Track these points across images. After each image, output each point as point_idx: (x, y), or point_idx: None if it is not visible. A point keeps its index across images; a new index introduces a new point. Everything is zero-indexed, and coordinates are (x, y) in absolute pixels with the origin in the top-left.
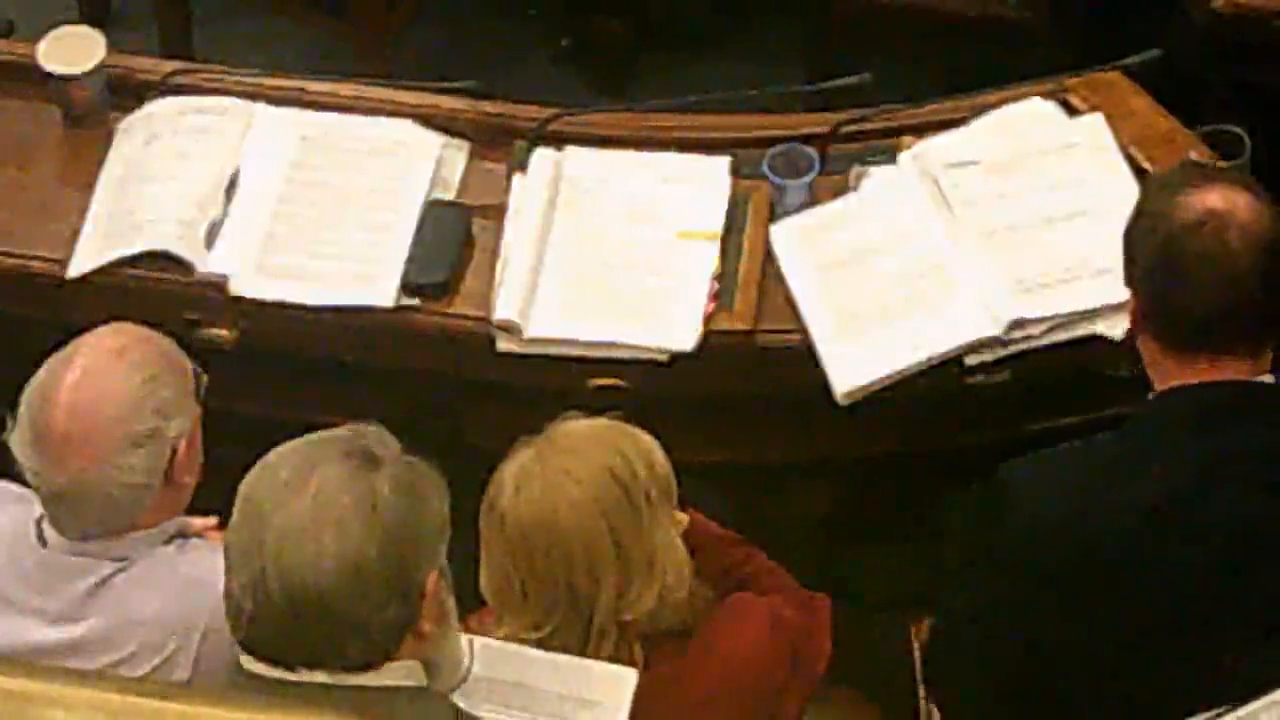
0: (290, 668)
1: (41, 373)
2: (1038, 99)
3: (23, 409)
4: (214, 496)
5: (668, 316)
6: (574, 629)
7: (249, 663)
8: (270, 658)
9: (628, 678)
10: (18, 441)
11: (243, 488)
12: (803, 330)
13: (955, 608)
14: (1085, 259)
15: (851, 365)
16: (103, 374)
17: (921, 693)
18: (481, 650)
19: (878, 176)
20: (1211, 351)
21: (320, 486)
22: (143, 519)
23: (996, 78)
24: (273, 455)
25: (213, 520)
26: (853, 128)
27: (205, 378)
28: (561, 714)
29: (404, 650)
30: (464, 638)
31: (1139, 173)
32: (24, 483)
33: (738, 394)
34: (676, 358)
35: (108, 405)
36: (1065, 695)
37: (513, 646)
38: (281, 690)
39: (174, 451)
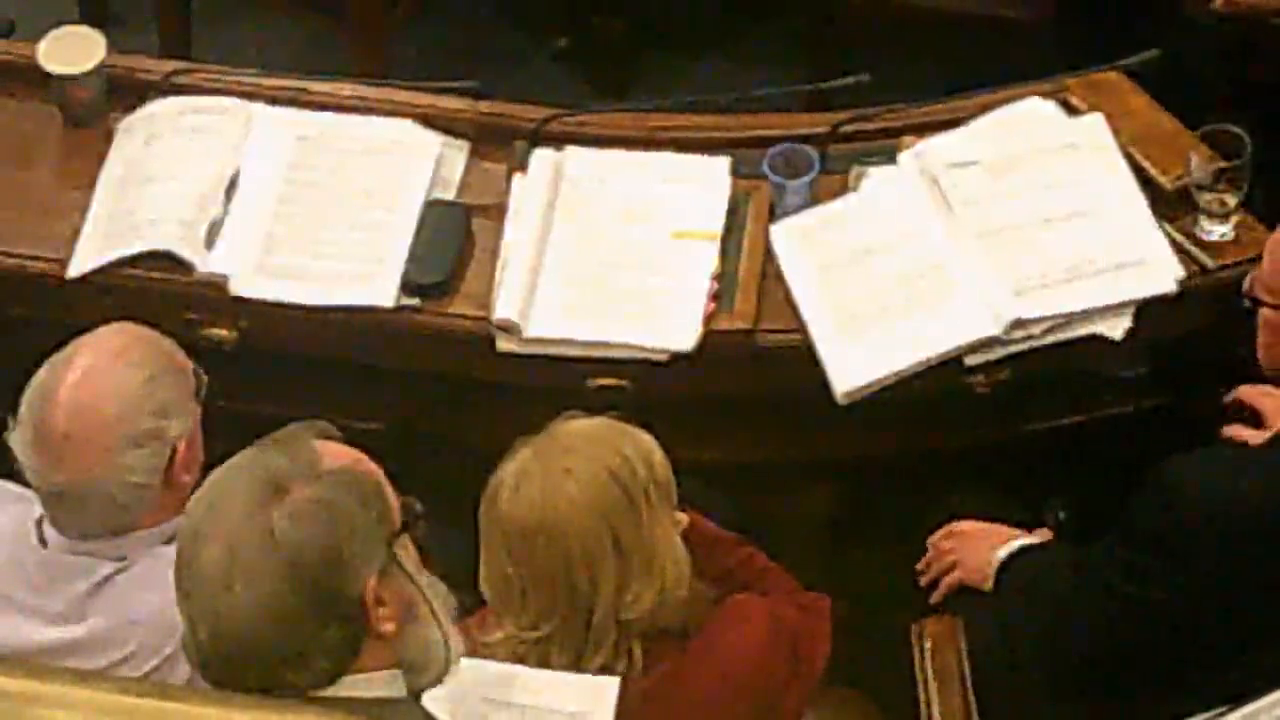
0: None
1: (42, 372)
2: (1038, 99)
3: (23, 408)
4: None
5: (667, 316)
6: (573, 628)
7: None
8: (224, 687)
9: (609, 687)
10: (18, 441)
11: (183, 516)
12: (803, 330)
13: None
14: (1085, 259)
15: (851, 365)
16: (103, 374)
17: (922, 693)
18: (466, 670)
19: (878, 176)
20: None
21: (224, 531)
22: (143, 519)
23: (996, 78)
24: (197, 491)
25: None
26: (853, 128)
27: (205, 378)
28: None
29: (372, 657)
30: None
31: (1139, 172)
32: (24, 483)
33: (738, 394)
34: (676, 358)
35: (108, 405)
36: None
37: (496, 665)
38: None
39: (174, 451)
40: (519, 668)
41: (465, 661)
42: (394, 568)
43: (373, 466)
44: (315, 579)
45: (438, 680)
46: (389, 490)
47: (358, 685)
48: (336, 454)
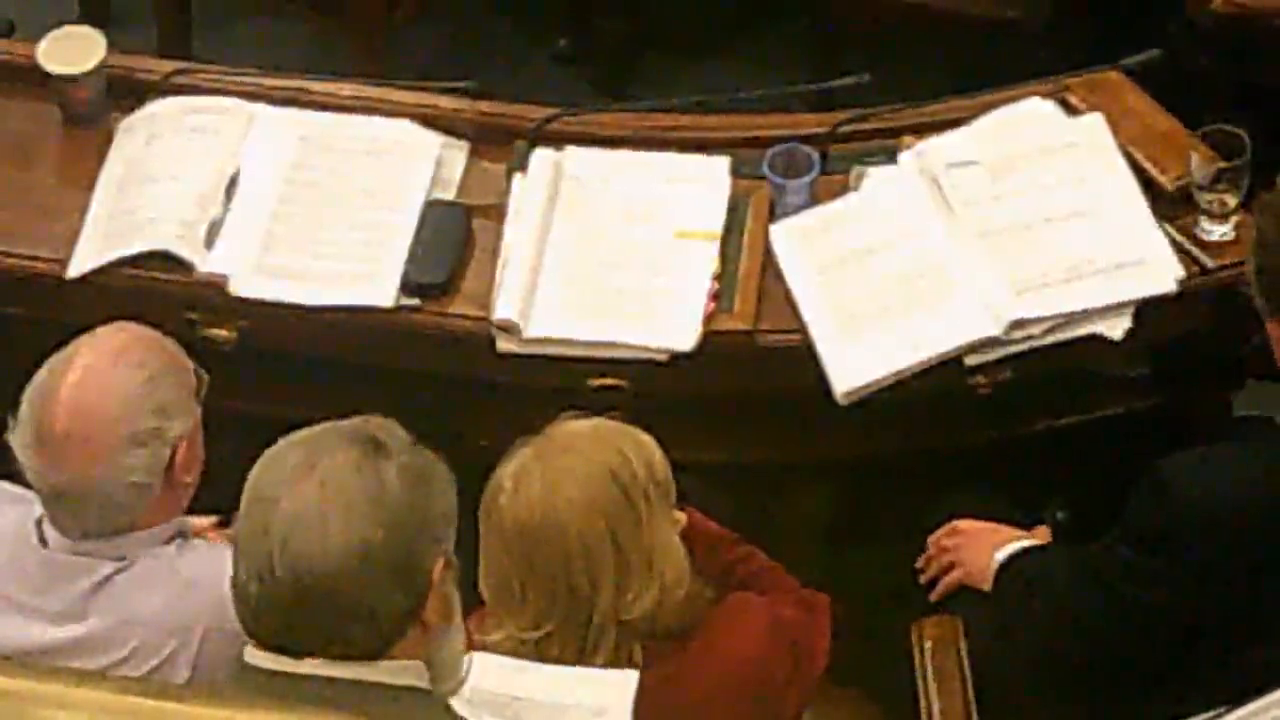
0: (295, 655)
1: (43, 372)
2: (1038, 99)
3: (24, 408)
4: (214, 496)
5: (667, 316)
6: (573, 629)
7: (251, 656)
8: (276, 644)
9: (629, 680)
10: (19, 440)
11: (250, 476)
12: (803, 330)
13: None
14: (1085, 259)
15: (851, 365)
16: (104, 373)
17: (922, 693)
18: (484, 665)
19: (878, 176)
20: None
21: (328, 471)
22: (143, 519)
23: (996, 78)
24: (279, 445)
25: (213, 520)
26: (853, 128)
27: (206, 378)
28: None
29: (408, 643)
30: (463, 640)
31: (1139, 172)
32: (25, 483)
33: (738, 394)
34: (676, 358)
35: (108, 405)
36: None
37: (514, 661)
38: (284, 684)
39: (174, 451)
40: (537, 664)
41: (482, 657)
42: (453, 565)
43: None
44: (407, 537)
45: (453, 691)
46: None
47: (387, 671)
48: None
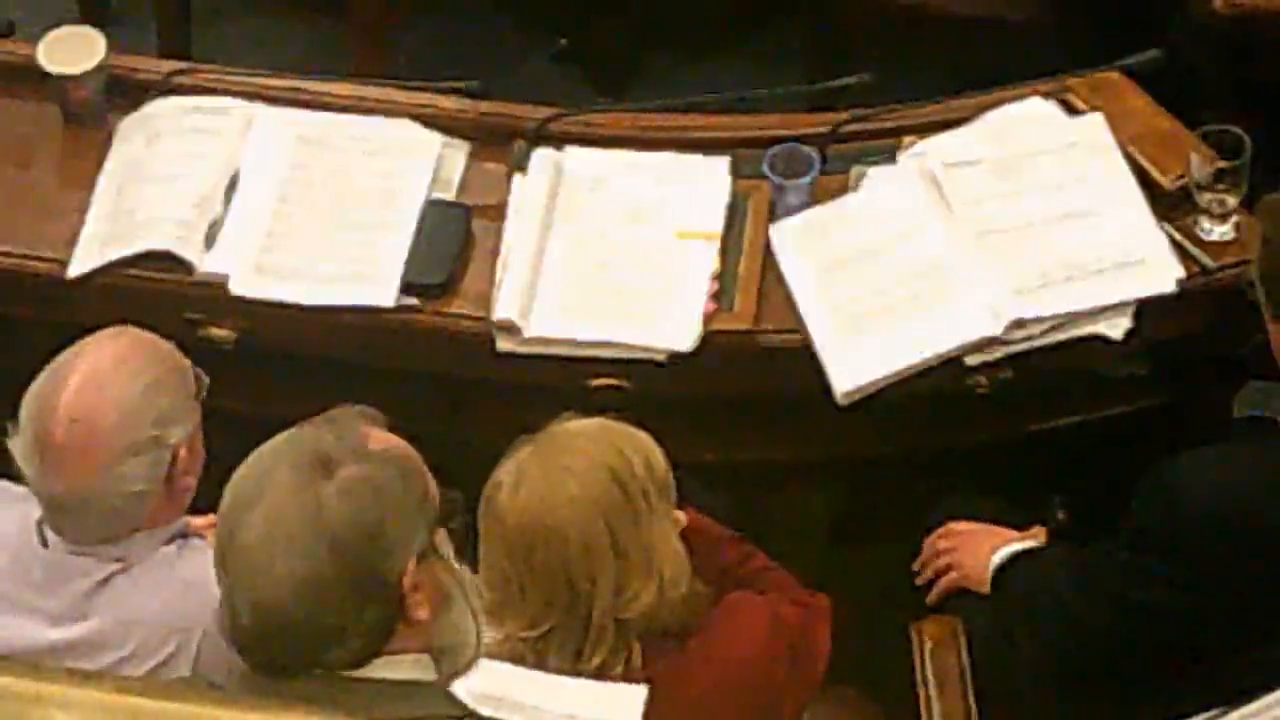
0: (285, 677)
1: (41, 379)
2: (1038, 99)
3: (23, 417)
4: (214, 496)
5: (667, 316)
6: (572, 627)
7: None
8: (264, 671)
9: (637, 696)
10: (19, 449)
11: (222, 500)
12: (803, 330)
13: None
14: (1085, 259)
15: (851, 365)
16: (102, 383)
17: (922, 693)
18: (491, 672)
19: (878, 176)
20: None
21: (269, 504)
22: (144, 522)
23: (996, 78)
24: (241, 465)
25: (213, 519)
26: (853, 128)
27: (206, 379)
28: None
29: (401, 640)
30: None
31: (1139, 172)
32: (25, 482)
33: (738, 394)
34: (676, 358)
35: (108, 414)
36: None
37: (523, 670)
38: (284, 687)
39: (175, 456)
40: (545, 674)
41: (490, 663)
42: (432, 554)
43: (416, 453)
44: (358, 557)
45: (466, 669)
46: (430, 478)
47: (388, 667)
48: (382, 438)
